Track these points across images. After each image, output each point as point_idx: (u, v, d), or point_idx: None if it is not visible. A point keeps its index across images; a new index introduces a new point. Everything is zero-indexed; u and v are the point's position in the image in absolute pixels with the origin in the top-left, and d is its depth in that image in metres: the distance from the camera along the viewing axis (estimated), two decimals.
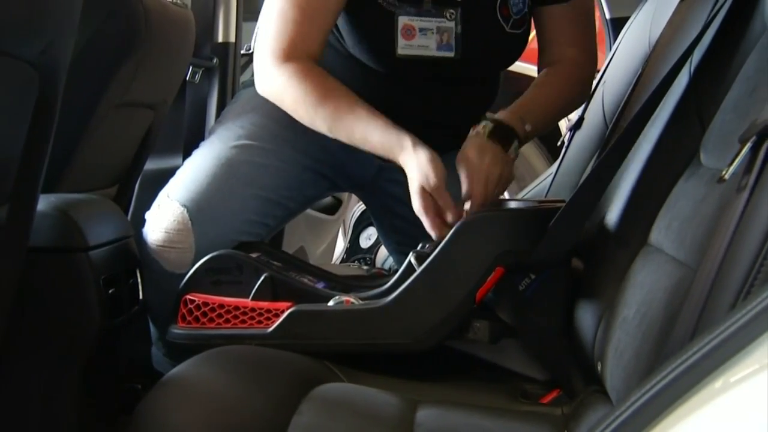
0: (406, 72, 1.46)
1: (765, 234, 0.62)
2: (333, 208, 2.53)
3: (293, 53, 1.38)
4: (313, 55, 1.41)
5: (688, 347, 0.57)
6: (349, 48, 1.48)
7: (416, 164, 1.28)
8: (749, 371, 0.55)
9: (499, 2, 1.46)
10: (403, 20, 1.41)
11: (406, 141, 1.30)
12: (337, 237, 2.99)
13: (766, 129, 0.65)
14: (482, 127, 1.33)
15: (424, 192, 1.26)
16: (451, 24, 1.43)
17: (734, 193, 0.70)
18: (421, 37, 1.41)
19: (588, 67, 1.54)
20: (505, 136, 1.33)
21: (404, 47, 1.42)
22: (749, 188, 0.66)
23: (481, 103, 1.60)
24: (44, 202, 1.25)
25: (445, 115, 1.54)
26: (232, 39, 2.18)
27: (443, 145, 1.57)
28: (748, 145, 0.67)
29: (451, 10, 1.42)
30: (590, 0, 1.54)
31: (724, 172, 0.71)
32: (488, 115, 1.36)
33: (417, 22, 1.41)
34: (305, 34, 1.39)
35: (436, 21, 1.42)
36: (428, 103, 1.51)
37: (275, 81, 1.40)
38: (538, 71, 1.54)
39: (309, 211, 2.24)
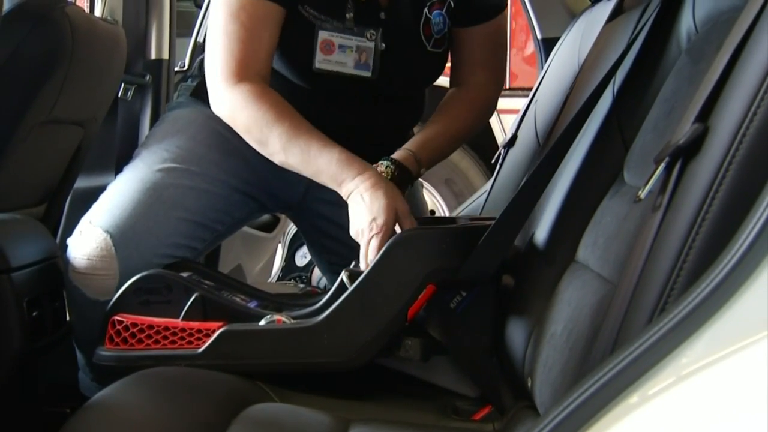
0: (325, 87, 1.47)
1: (678, 252, 0.64)
2: (270, 226, 2.51)
3: (245, 73, 1.38)
4: (263, 75, 1.41)
5: (604, 364, 0.58)
6: (278, 62, 1.48)
7: (391, 188, 1.29)
8: (666, 383, 0.56)
9: (422, 21, 1.48)
10: (323, 35, 1.42)
11: (368, 168, 1.33)
12: (276, 254, 2.97)
13: (678, 150, 0.67)
14: (385, 168, 1.39)
15: (396, 219, 1.27)
16: (371, 44, 1.44)
17: (650, 212, 0.72)
18: (340, 54, 1.42)
19: (493, 89, 1.58)
20: (403, 180, 1.40)
21: (321, 62, 1.43)
22: (663, 208, 0.68)
23: (407, 117, 1.63)
24: None
25: (370, 130, 1.55)
26: (166, 56, 2.15)
27: (370, 159, 1.58)
28: (662, 165, 0.69)
29: (372, 31, 1.44)
30: (503, 23, 1.58)
31: (640, 192, 0.73)
32: (392, 156, 1.41)
33: (337, 39, 1.43)
34: (253, 52, 1.39)
35: (357, 39, 1.43)
36: (351, 118, 1.52)
37: (230, 102, 1.39)
38: (450, 87, 1.58)
39: (246, 228, 2.22)
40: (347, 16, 1.43)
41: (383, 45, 1.46)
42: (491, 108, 1.61)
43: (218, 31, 1.40)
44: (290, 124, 1.36)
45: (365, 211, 1.27)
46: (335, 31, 1.42)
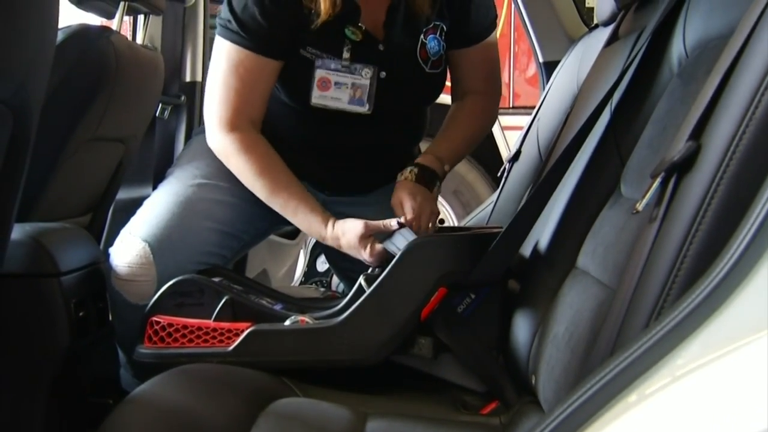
0: (324, 114, 1.47)
1: (673, 261, 0.63)
2: (293, 234, 2.50)
3: (238, 122, 1.42)
4: (256, 121, 1.44)
5: (605, 365, 0.57)
6: (279, 93, 1.49)
7: (342, 232, 1.35)
8: (663, 383, 0.56)
9: (418, 46, 1.48)
10: (320, 73, 1.43)
11: (328, 224, 1.38)
12: (298, 260, 2.97)
13: (673, 166, 0.66)
14: (409, 172, 1.41)
15: (365, 243, 1.31)
16: (366, 82, 1.44)
17: (647, 223, 0.71)
18: (336, 90, 1.43)
19: (491, 98, 1.59)
20: (429, 179, 1.41)
21: (318, 97, 1.44)
22: (659, 219, 0.67)
23: (409, 136, 1.62)
24: (18, 231, 1.22)
25: (372, 150, 1.55)
26: (199, 78, 2.17)
27: (379, 177, 1.58)
28: (658, 180, 0.69)
29: (368, 69, 1.44)
30: (494, 41, 1.57)
31: (638, 204, 0.72)
32: (417, 161, 1.44)
33: (333, 76, 1.43)
34: (247, 102, 1.42)
35: (352, 77, 1.43)
36: (352, 140, 1.52)
37: (223, 147, 1.44)
38: (452, 103, 1.59)
39: (271, 236, 2.22)
40: (344, 54, 1.43)
41: (383, 73, 1.45)
42: (492, 116, 1.62)
43: (218, 80, 1.43)
44: (271, 179, 1.41)
45: (354, 255, 1.34)
46: (332, 69, 1.43)
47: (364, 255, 1.32)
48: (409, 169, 1.41)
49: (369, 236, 1.32)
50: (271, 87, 1.45)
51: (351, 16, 1.42)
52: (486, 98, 1.57)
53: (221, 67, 1.42)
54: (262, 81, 1.42)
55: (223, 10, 1.43)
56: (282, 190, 1.41)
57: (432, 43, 1.48)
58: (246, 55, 1.40)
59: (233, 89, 1.41)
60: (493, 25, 1.56)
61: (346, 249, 1.36)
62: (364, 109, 1.45)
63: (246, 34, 1.40)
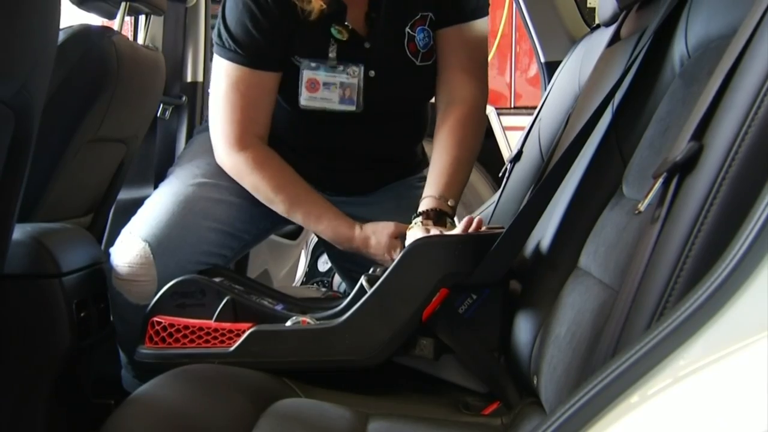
0: (316, 115, 1.47)
1: (675, 261, 0.63)
2: (294, 234, 2.51)
3: (247, 139, 1.42)
4: (263, 136, 1.45)
5: (607, 365, 0.57)
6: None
7: (372, 231, 1.38)
8: (665, 384, 0.56)
9: (406, 40, 1.46)
10: (307, 74, 1.43)
11: (356, 226, 1.40)
12: (299, 261, 2.97)
13: (675, 166, 0.66)
14: (414, 223, 1.35)
15: (396, 243, 1.36)
16: (354, 80, 1.44)
17: (649, 223, 0.71)
18: (325, 91, 1.43)
19: (477, 98, 1.47)
20: (438, 220, 1.36)
21: (307, 99, 1.44)
22: (661, 220, 0.67)
23: (408, 134, 1.61)
24: (19, 231, 1.23)
25: (368, 149, 1.54)
26: (200, 79, 2.18)
27: (379, 177, 1.58)
28: (660, 180, 0.69)
29: (355, 67, 1.43)
30: (483, 33, 1.49)
31: (640, 205, 0.72)
32: (419, 210, 1.37)
33: (322, 77, 1.43)
34: (252, 119, 1.43)
35: (340, 77, 1.43)
36: (347, 140, 1.52)
37: (235, 166, 1.44)
38: (437, 107, 1.50)
39: (272, 236, 2.22)
40: (330, 55, 1.43)
41: (372, 72, 1.45)
42: (483, 119, 1.50)
43: (220, 99, 1.43)
44: (289, 193, 1.44)
45: (380, 255, 1.37)
46: (319, 71, 1.43)
47: (394, 254, 1.34)
48: (416, 221, 1.35)
49: (397, 236, 1.34)
50: (274, 99, 1.45)
51: (337, 16, 1.42)
52: (471, 102, 1.45)
53: (222, 87, 1.43)
54: (264, 95, 1.43)
55: (218, 29, 1.43)
56: (302, 202, 1.43)
57: (420, 35, 1.46)
58: (245, 72, 1.41)
59: (237, 107, 1.41)
60: (482, 11, 1.49)
61: (374, 248, 1.37)
62: (354, 107, 1.44)
63: (242, 51, 1.40)
